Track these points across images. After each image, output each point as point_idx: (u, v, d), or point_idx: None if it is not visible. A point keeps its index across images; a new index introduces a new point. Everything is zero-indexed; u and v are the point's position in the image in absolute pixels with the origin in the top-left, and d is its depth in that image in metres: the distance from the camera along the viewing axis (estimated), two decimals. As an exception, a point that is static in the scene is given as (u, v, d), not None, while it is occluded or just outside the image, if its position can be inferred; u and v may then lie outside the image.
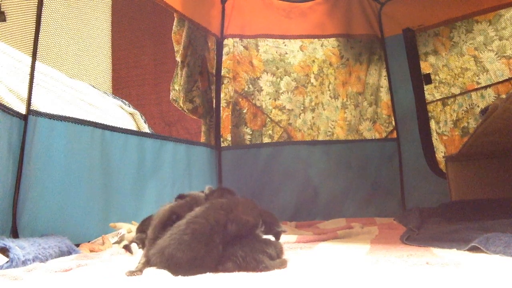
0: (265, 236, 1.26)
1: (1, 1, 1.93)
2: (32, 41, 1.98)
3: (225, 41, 3.48)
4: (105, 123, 2.33)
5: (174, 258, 1.12)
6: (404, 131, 3.37)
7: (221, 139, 3.44)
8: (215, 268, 1.16)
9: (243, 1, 3.48)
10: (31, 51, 1.99)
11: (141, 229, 1.79)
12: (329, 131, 3.57)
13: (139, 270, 1.19)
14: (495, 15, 3.19)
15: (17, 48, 2.25)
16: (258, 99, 3.55)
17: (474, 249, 1.38)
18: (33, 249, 1.49)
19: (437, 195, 3.04)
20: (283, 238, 1.53)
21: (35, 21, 1.99)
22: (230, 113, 3.47)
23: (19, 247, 1.41)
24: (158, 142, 2.71)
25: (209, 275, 1.13)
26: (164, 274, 1.10)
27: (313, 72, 3.62)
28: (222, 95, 3.46)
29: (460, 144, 3.13)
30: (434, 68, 3.41)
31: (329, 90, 3.61)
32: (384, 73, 3.57)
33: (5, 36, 2.13)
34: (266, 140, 3.53)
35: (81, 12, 3.55)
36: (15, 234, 1.81)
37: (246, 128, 3.52)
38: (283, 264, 1.23)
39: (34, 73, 2.00)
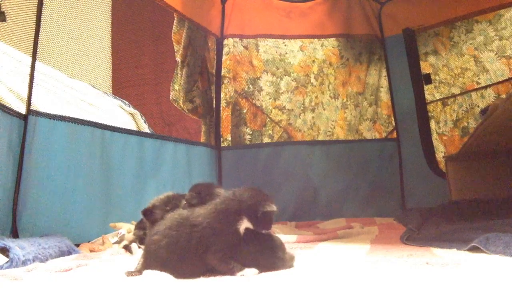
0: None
1: (1, 1, 1.93)
2: (32, 41, 1.98)
3: (225, 41, 3.48)
4: (105, 123, 2.33)
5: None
6: (404, 131, 3.37)
7: (221, 139, 3.44)
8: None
9: (243, 1, 3.48)
10: (31, 51, 1.99)
11: (139, 226, 1.80)
12: (329, 131, 3.57)
13: (138, 271, 1.19)
14: (495, 15, 3.19)
15: (17, 48, 2.25)
16: (258, 99, 3.55)
17: (474, 249, 1.38)
18: (33, 249, 1.49)
19: (437, 195, 3.04)
20: (283, 238, 1.53)
21: (35, 21, 1.98)
22: (230, 113, 3.47)
23: (19, 247, 1.41)
24: (158, 142, 2.71)
25: (209, 277, 1.14)
26: (163, 275, 1.10)
27: (313, 72, 3.62)
28: (222, 95, 3.46)
29: (460, 144, 3.13)
30: (434, 68, 3.41)
31: (329, 90, 3.61)
32: (384, 73, 3.57)
33: (5, 36, 2.13)
34: (266, 140, 3.53)
35: (81, 12, 3.55)
36: (15, 234, 1.81)
37: (246, 128, 3.52)
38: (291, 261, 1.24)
39: (34, 73, 2.00)
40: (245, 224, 1.16)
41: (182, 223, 1.17)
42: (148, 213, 1.36)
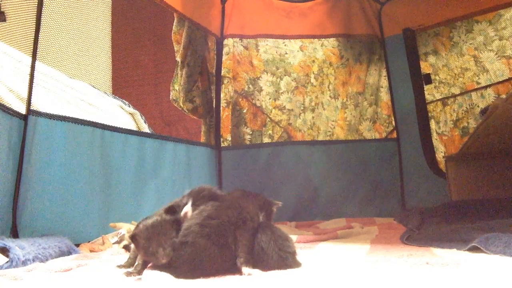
0: None
1: (1, 1, 1.93)
2: (32, 41, 1.98)
3: (225, 41, 3.48)
4: (105, 123, 2.33)
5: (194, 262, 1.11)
6: (404, 131, 3.37)
7: (221, 139, 3.44)
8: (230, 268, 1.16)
9: (243, 1, 3.48)
10: (31, 51, 1.99)
11: None
12: (329, 131, 3.57)
13: (137, 272, 1.19)
14: (495, 15, 3.19)
15: (17, 48, 2.25)
16: (258, 99, 3.55)
17: (474, 249, 1.38)
18: (33, 249, 1.49)
19: (437, 195, 3.04)
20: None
21: (35, 21, 1.99)
22: (230, 113, 3.47)
23: (19, 247, 1.41)
24: (158, 142, 2.71)
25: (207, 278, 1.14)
26: (163, 275, 1.10)
27: (313, 72, 3.62)
28: (222, 95, 3.46)
29: (460, 144, 3.13)
30: (434, 68, 3.41)
31: (329, 90, 3.61)
32: (384, 73, 3.57)
33: (5, 36, 2.13)
34: (266, 140, 3.52)
35: (81, 12, 3.55)
36: (15, 234, 1.81)
37: (246, 128, 3.52)
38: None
39: (34, 73, 2.00)
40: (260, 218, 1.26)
41: (220, 206, 1.22)
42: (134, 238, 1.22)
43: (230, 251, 1.15)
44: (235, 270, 1.16)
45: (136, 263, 1.24)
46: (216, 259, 1.13)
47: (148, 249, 1.13)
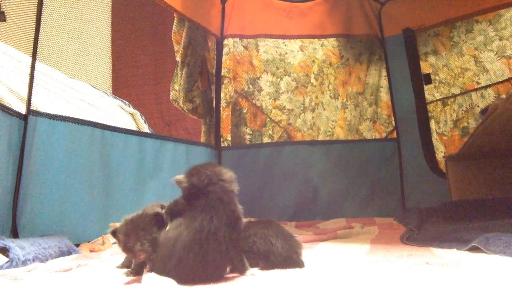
0: None
1: (1, 1, 1.93)
2: (32, 41, 1.98)
3: (225, 41, 3.48)
4: (105, 123, 2.33)
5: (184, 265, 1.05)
6: (404, 131, 3.37)
7: (221, 139, 3.44)
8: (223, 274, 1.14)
9: (243, 1, 3.48)
10: (31, 51, 1.99)
11: None
12: (329, 131, 3.57)
13: (135, 272, 1.19)
14: (495, 15, 3.19)
15: (17, 48, 2.25)
16: (258, 99, 3.55)
17: (474, 249, 1.39)
18: (33, 249, 1.49)
19: (437, 195, 3.04)
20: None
21: (35, 21, 1.99)
22: (230, 113, 3.47)
23: (19, 247, 1.41)
24: (158, 142, 2.71)
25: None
26: (163, 279, 1.09)
27: (313, 72, 3.62)
28: (222, 95, 3.46)
29: (460, 144, 3.13)
30: (434, 68, 3.41)
31: (329, 90, 3.61)
32: (384, 73, 3.57)
33: (5, 36, 2.13)
34: (266, 140, 3.52)
35: (81, 12, 3.56)
36: (15, 234, 1.81)
37: (246, 128, 3.52)
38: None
39: (34, 73, 2.00)
40: None
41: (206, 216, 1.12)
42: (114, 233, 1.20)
43: (222, 255, 1.09)
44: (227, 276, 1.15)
45: (133, 262, 1.23)
46: (208, 264, 1.06)
47: (126, 244, 1.07)
